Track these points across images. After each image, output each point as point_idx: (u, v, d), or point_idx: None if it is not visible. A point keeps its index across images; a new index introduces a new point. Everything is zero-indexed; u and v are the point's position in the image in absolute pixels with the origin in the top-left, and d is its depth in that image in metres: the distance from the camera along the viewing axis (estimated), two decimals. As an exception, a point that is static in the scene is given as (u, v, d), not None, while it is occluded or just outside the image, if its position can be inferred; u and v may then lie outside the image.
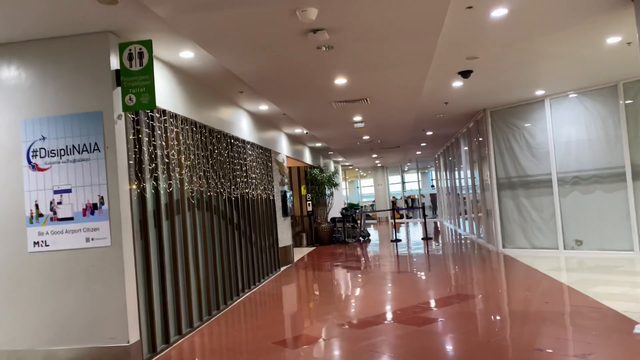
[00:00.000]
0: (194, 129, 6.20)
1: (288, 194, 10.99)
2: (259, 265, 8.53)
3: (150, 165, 4.99)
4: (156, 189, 5.09)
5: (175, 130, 5.62)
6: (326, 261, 11.04)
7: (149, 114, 5.05)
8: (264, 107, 8.35)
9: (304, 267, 10.35)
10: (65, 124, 4.44)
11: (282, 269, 10.11)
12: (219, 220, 6.80)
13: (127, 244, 4.41)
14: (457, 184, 16.13)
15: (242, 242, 7.73)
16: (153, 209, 5.07)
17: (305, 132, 11.47)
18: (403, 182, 33.77)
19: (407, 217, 26.24)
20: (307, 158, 14.36)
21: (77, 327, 4.35)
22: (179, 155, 5.67)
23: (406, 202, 29.01)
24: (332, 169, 18.10)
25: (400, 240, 14.47)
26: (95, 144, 4.40)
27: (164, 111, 5.35)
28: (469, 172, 13.46)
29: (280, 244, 10.39)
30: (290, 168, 14.95)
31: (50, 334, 4.36)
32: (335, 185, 15.48)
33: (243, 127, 8.16)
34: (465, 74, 7.16)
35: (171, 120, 5.53)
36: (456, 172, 16.23)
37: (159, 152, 5.18)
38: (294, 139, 12.49)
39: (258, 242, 8.60)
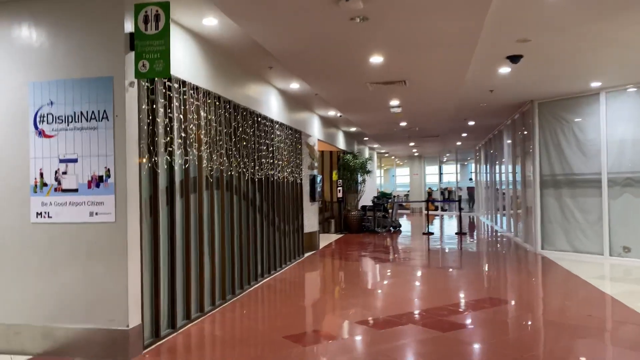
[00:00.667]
0: (217, 103, 5.85)
1: (317, 179, 10.61)
2: (281, 250, 8.21)
3: (164, 139, 4.67)
4: (170, 165, 4.77)
5: (195, 103, 5.28)
6: (353, 250, 10.64)
7: (166, 83, 4.72)
8: (295, 86, 7.94)
9: (328, 255, 9.98)
10: (75, 88, 4.14)
11: (306, 255, 9.78)
12: (239, 201, 6.48)
13: (133, 221, 4.12)
14: (497, 179, 15.38)
15: (263, 225, 7.41)
16: (166, 185, 4.76)
17: (339, 115, 11.01)
18: (440, 173, 32.92)
19: (443, 210, 25.49)
20: (341, 143, 13.92)
21: (76, 306, 4.10)
22: (199, 131, 5.34)
23: (442, 194, 28.25)
24: (366, 155, 17.59)
25: (432, 234, 13.93)
26: (104, 111, 4.10)
27: (183, 82, 5.01)
28: (510, 167, 12.73)
29: (306, 230, 10.04)
30: (322, 152, 14.55)
31: (49, 310, 4.13)
32: (368, 172, 15.00)
33: (272, 106, 7.78)
34: (514, 58, 6.54)
35: (191, 92, 5.19)
36: (497, 166, 15.48)
37: (175, 126, 4.85)
38: (327, 122, 12.06)
39: (281, 226, 8.27)
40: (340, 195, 14.50)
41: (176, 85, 4.89)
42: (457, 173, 26.37)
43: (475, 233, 14.88)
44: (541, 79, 7.93)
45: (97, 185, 4.10)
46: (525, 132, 10.70)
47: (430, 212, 26.50)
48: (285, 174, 8.54)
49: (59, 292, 4.13)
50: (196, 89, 5.32)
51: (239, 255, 6.43)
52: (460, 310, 5.49)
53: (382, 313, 5.42)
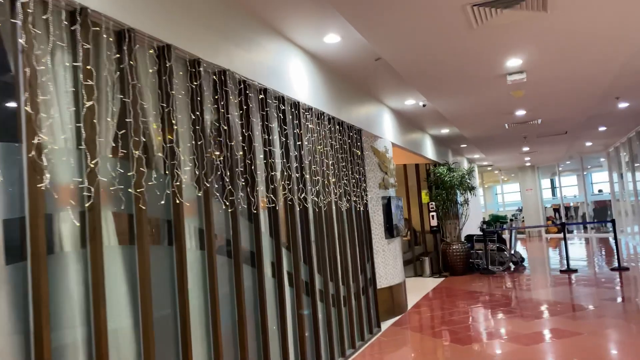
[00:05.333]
0: (140, 48, 2.51)
1: (395, 203, 6.92)
2: (331, 335, 4.59)
3: None
4: None
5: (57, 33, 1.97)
6: (462, 310, 6.74)
7: None
8: (333, 40, 4.46)
9: (425, 326, 6.18)
10: None
11: (385, 327, 6.06)
12: (206, 261, 3.02)
13: None
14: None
15: (284, 298, 3.88)
16: None
17: (421, 104, 7.32)
18: (553, 187, 27.62)
19: (569, 232, 20.43)
20: (429, 151, 10.13)
21: None
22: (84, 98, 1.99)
23: (556, 211, 23.27)
24: (465, 168, 13.50)
25: (576, 271, 9.55)
26: None
27: None
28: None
29: (381, 284, 6.36)
30: (405, 166, 10.82)
31: None
32: (472, 189, 10.98)
33: (293, 79, 4.35)
34: None
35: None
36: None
37: None
38: (405, 120, 8.38)
39: (328, 288, 4.68)
40: (434, 223, 10.60)
41: None
42: (584, 185, 21.21)
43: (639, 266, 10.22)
44: None
45: None
46: None
47: (551, 236, 21.55)
48: (334, 197, 4.99)
49: None
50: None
51: (211, 379, 2.94)
52: None
53: None
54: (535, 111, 8.42)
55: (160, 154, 2.70)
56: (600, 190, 23.38)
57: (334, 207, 4.97)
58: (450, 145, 12.22)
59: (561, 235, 19.97)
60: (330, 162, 4.99)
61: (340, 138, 5.37)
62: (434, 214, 10.55)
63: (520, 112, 8.36)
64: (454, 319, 6.34)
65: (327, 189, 4.83)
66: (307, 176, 4.41)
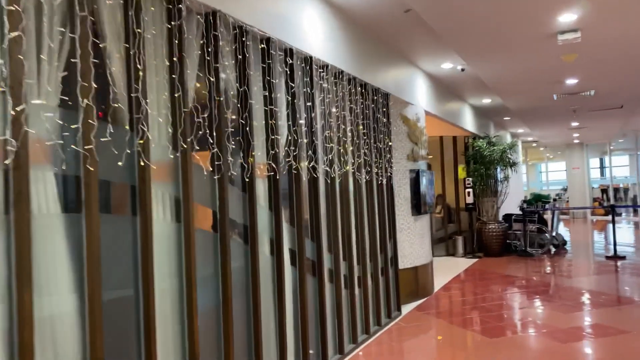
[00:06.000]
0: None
1: (425, 177, 6.31)
2: (339, 320, 4.13)
3: None
4: None
5: None
6: (494, 296, 6.16)
7: None
8: (354, -15, 3.86)
9: (448, 311, 5.65)
10: None
11: (406, 311, 5.56)
12: (182, 235, 2.59)
13: None
14: None
15: (281, 273, 3.42)
16: None
17: (460, 68, 6.62)
18: (602, 167, 26.16)
19: (617, 214, 19.23)
20: (468, 123, 9.37)
21: None
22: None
23: (604, 192, 22.01)
24: (507, 142, 12.59)
25: (623, 258, 8.74)
26: None
27: None
28: None
29: (405, 264, 5.84)
30: (441, 138, 10.10)
31: None
32: (513, 165, 10.18)
33: (306, 30, 3.78)
34: None
35: None
36: None
37: None
38: (442, 87, 7.67)
39: (340, 267, 4.20)
40: (470, 200, 9.91)
41: None
42: (637, 165, 19.84)
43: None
44: None
45: None
46: None
47: (597, 218, 20.32)
48: (351, 168, 4.46)
49: None
50: None
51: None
52: None
53: None
54: (588, 80, 7.54)
55: (119, 105, 2.23)
56: (655, 172, 21.83)
57: (350, 179, 4.44)
58: (493, 118, 11.36)
59: (608, 217, 18.75)
60: (349, 129, 4.44)
61: (363, 102, 4.79)
62: (470, 190, 9.85)
63: (572, 81, 7.50)
64: (484, 305, 5.77)
65: (343, 159, 4.30)
66: (318, 143, 3.89)
